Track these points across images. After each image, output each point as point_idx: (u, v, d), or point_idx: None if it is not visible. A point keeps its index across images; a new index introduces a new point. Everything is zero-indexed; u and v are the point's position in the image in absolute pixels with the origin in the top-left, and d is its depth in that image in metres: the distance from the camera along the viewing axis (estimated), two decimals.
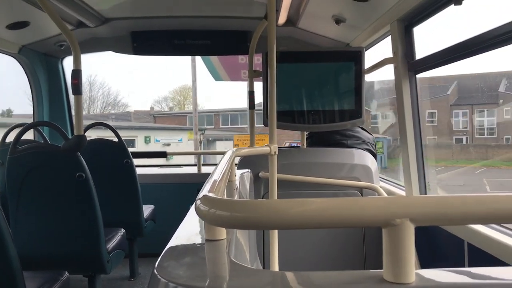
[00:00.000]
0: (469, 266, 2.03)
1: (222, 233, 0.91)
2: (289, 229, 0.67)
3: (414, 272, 0.64)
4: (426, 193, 2.72)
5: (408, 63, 2.67)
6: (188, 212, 1.21)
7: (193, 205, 1.36)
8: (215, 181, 0.99)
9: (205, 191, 0.82)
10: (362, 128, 3.30)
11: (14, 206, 2.65)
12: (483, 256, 1.90)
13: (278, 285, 0.69)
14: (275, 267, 1.99)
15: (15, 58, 4.07)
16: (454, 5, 2.13)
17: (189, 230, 1.05)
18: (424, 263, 2.51)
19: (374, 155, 3.13)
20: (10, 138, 3.16)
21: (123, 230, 3.29)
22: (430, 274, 0.68)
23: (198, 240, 0.92)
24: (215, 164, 1.41)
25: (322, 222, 0.65)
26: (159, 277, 0.71)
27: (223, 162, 1.42)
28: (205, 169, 4.66)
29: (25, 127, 2.80)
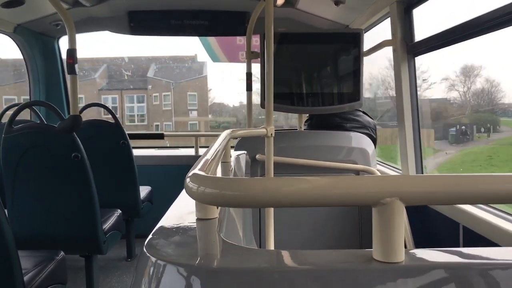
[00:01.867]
0: None
1: (213, 212, 0.90)
2: (278, 207, 0.66)
3: (403, 251, 0.64)
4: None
5: (407, 46, 2.64)
6: (181, 192, 1.20)
7: None
8: (207, 160, 0.98)
9: (195, 169, 0.81)
10: (364, 113, 3.27)
11: (10, 186, 2.65)
12: (478, 239, 1.90)
13: (267, 263, 0.69)
14: (271, 246, 1.99)
15: (10, 37, 4.02)
16: None
17: (180, 210, 1.05)
18: (420, 246, 2.52)
19: (374, 140, 3.11)
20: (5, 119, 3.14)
21: (119, 211, 3.30)
22: (419, 254, 0.67)
23: (189, 219, 0.91)
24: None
25: (312, 200, 0.64)
26: (148, 255, 0.70)
27: (217, 143, 1.41)
28: (202, 151, 4.65)
29: (20, 107, 2.78)
